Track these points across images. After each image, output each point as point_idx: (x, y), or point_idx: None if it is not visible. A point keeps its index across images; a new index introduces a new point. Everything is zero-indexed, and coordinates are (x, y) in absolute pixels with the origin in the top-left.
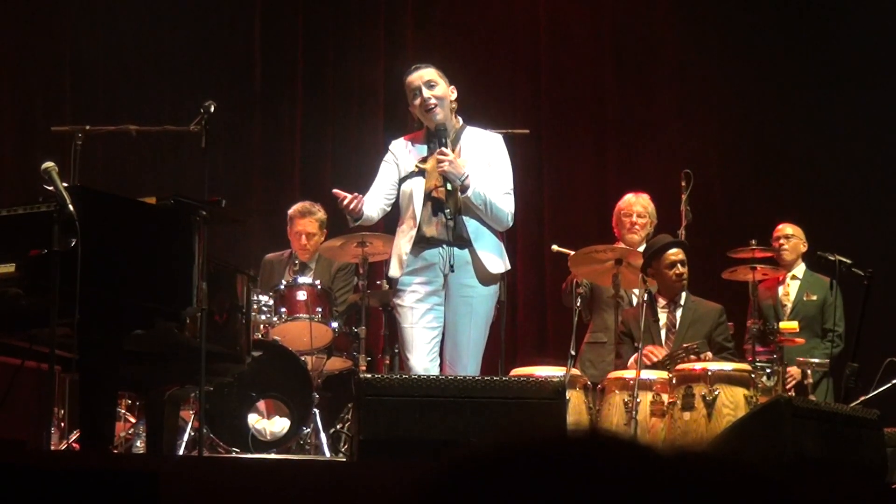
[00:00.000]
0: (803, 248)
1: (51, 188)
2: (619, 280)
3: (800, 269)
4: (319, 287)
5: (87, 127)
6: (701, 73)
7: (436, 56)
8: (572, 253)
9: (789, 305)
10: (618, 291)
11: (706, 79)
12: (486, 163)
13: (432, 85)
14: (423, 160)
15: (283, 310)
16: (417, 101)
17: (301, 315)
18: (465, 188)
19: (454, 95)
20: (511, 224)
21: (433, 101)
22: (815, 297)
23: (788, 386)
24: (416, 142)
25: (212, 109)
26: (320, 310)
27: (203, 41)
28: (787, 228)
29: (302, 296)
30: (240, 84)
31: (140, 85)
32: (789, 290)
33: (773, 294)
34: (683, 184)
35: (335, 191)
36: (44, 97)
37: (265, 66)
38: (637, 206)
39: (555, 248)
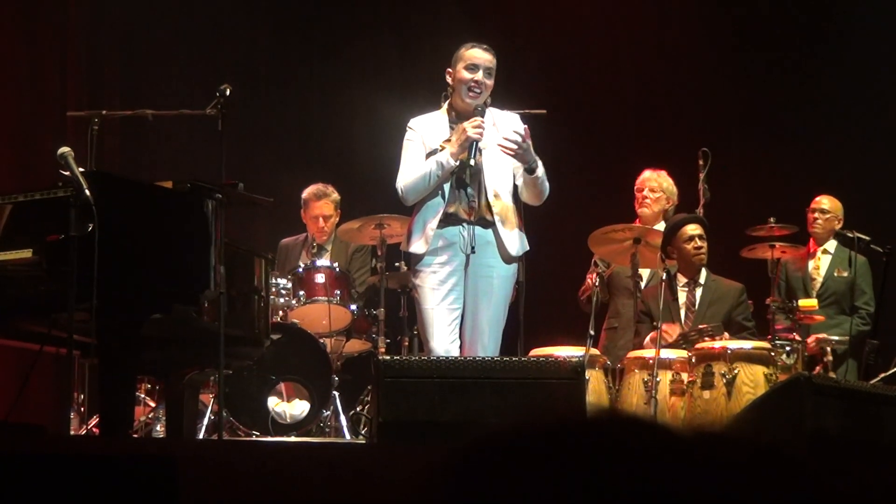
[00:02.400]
0: (837, 225)
1: (67, 173)
2: (637, 260)
3: (831, 244)
4: (338, 269)
5: (104, 112)
6: (718, 51)
7: (451, 34)
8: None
9: (819, 280)
10: (636, 271)
11: (724, 57)
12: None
13: (489, 74)
14: (448, 139)
15: (302, 293)
16: (468, 77)
17: (320, 298)
18: (533, 169)
19: (491, 90)
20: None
21: (481, 88)
22: (845, 274)
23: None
24: (439, 120)
25: (227, 93)
26: (339, 292)
27: (217, 24)
28: (823, 201)
29: (320, 278)
30: (255, 68)
31: (156, 69)
32: (819, 265)
33: (803, 267)
34: (701, 162)
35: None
36: (60, 82)
37: (280, 49)
38: (651, 181)
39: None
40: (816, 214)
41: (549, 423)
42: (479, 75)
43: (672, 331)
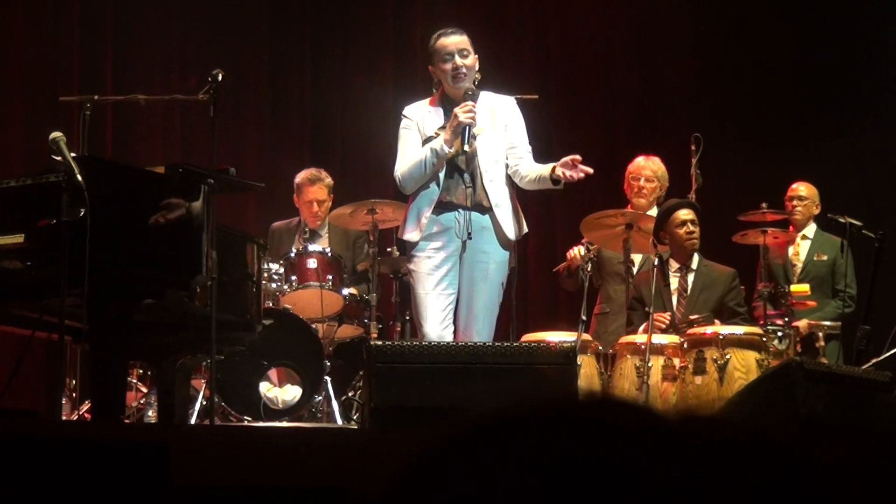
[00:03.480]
0: (816, 210)
1: (59, 158)
2: (629, 245)
3: (810, 229)
4: (330, 255)
5: (96, 97)
6: (711, 36)
7: (445, 21)
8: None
9: (799, 265)
10: (628, 257)
11: (716, 42)
12: (502, 125)
13: (465, 54)
14: (442, 126)
15: (294, 278)
16: (448, 66)
17: (312, 283)
18: (557, 180)
19: (477, 65)
20: None
21: (464, 70)
22: (825, 257)
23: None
24: (433, 106)
25: (220, 78)
26: (331, 277)
27: (212, 9)
28: (800, 189)
29: (312, 263)
30: (249, 53)
31: (148, 54)
32: (799, 250)
33: (783, 254)
34: (693, 147)
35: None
36: (52, 67)
37: (274, 33)
38: (646, 169)
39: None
40: (795, 202)
41: (532, 406)
42: (457, 60)
43: (664, 320)
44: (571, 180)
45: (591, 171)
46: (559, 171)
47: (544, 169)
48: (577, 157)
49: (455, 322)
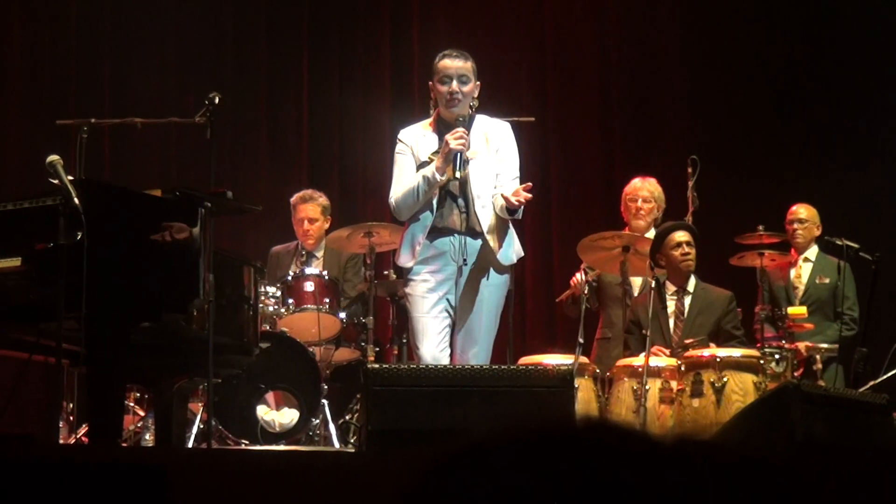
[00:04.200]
0: (817, 231)
1: (56, 181)
2: (626, 267)
3: (812, 251)
4: (327, 278)
5: (93, 120)
6: (707, 57)
7: (441, 45)
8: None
9: (801, 288)
10: (625, 279)
11: (713, 63)
12: (494, 149)
13: (465, 80)
14: (436, 151)
15: (291, 301)
16: (444, 89)
17: (309, 306)
18: (513, 211)
19: (477, 91)
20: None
21: (459, 95)
22: (827, 280)
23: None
24: (428, 131)
25: (216, 101)
26: (328, 300)
27: (209, 33)
28: (800, 211)
29: (309, 287)
30: (246, 76)
31: (145, 77)
32: (801, 273)
33: (785, 276)
34: (690, 170)
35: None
36: (49, 90)
37: (271, 57)
38: (643, 190)
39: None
40: (795, 225)
41: (527, 429)
42: (454, 85)
43: (663, 353)
44: (515, 206)
45: (529, 195)
46: (512, 199)
47: (499, 200)
48: (528, 184)
49: (451, 346)
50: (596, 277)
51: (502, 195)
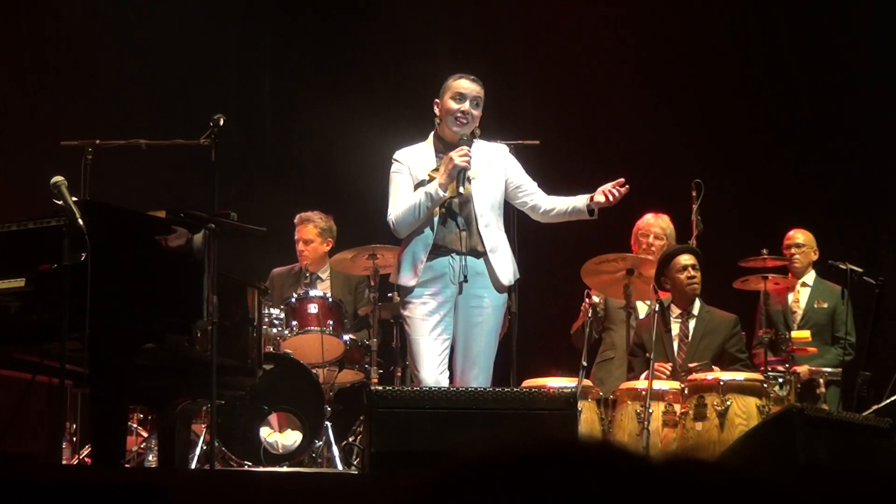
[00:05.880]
0: (814, 255)
1: (60, 202)
2: (630, 290)
3: (810, 276)
4: (331, 300)
5: (97, 141)
6: (711, 82)
7: (443, 68)
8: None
9: (799, 312)
10: (629, 302)
11: (715, 88)
12: (498, 170)
13: (476, 104)
14: (435, 169)
15: (295, 323)
16: (455, 107)
17: (312, 328)
18: (592, 210)
19: (479, 120)
20: None
21: (470, 117)
22: (825, 305)
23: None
24: (425, 150)
25: (221, 123)
26: (332, 322)
27: (213, 54)
28: (797, 236)
29: (313, 308)
30: (251, 97)
31: (150, 99)
32: (799, 297)
33: (783, 301)
34: (694, 194)
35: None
36: (54, 111)
37: (275, 79)
38: (655, 227)
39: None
40: (793, 250)
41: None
42: (467, 105)
43: (665, 370)
44: (610, 203)
45: (625, 188)
46: (598, 198)
47: (577, 200)
48: (621, 179)
49: (451, 367)
50: (602, 306)
51: (601, 190)
